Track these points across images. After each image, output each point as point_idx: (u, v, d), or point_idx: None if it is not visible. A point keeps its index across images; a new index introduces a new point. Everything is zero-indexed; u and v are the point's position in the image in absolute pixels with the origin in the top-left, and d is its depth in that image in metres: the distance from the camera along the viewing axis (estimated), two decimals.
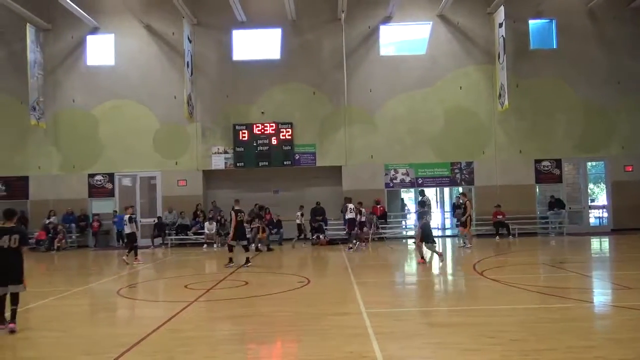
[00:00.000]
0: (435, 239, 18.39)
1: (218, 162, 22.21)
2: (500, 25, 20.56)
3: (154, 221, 21.36)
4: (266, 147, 21.78)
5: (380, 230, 21.05)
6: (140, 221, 21.85)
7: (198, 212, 21.49)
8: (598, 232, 21.97)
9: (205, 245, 20.03)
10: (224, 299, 9.60)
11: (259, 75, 22.16)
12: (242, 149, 21.83)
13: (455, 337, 6.33)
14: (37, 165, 22.21)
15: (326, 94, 22.16)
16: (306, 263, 15.74)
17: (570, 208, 22.19)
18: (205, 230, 20.33)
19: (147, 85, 22.22)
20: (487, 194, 21.68)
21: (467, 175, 22.11)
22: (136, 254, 15.69)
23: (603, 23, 22.24)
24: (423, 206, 14.61)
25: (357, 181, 21.89)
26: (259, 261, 15.73)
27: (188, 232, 21.26)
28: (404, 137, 22.01)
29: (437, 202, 26.96)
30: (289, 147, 21.80)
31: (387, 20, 22.34)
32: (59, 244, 20.39)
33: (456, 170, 22.12)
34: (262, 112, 22.13)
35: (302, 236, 20.49)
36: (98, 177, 22.31)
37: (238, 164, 21.95)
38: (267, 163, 21.85)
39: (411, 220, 23.72)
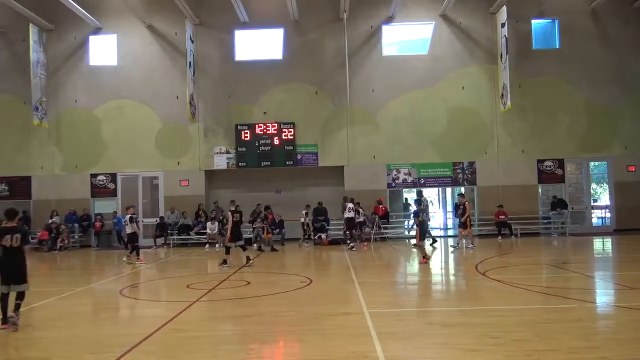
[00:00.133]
0: (435, 240, 18.61)
1: (220, 162, 22.23)
2: (503, 25, 20.53)
3: (156, 221, 21.38)
4: (268, 147, 21.79)
5: (383, 230, 21.04)
6: (142, 221, 21.96)
7: (200, 212, 21.51)
8: (601, 232, 21.93)
9: (207, 245, 20.03)
10: (226, 298, 9.61)
11: (261, 75, 22.17)
12: (244, 149, 21.84)
13: (457, 338, 6.32)
14: (39, 165, 22.26)
15: (328, 94, 22.16)
16: (308, 263, 15.73)
17: (572, 208, 22.15)
18: (208, 230, 20.33)
19: (149, 86, 22.25)
20: (490, 194, 21.66)
21: (469, 176, 22.08)
22: (138, 254, 15.72)
23: (606, 23, 22.19)
24: (419, 205, 14.63)
25: (359, 181, 21.88)
26: (262, 261, 15.74)
27: (190, 232, 21.28)
28: (406, 137, 21.99)
29: (439, 202, 26.95)
30: (291, 147, 21.81)
31: (389, 20, 22.32)
32: (61, 244, 20.44)
33: (458, 171, 22.10)
34: (265, 112, 22.13)
35: (307, 236, 20.51)
36: (100, 177, 22.34)
37: (240, 164, 21.96)
38: (269, 163, 21.85)
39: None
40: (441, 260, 15.40)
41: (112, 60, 22.58)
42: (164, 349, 6.17)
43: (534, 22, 22.50)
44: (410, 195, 24.97)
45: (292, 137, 21.81)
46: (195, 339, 6.57)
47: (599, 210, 24.81)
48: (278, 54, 22.52)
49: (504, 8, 20.38)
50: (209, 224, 20.48)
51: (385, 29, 22.44)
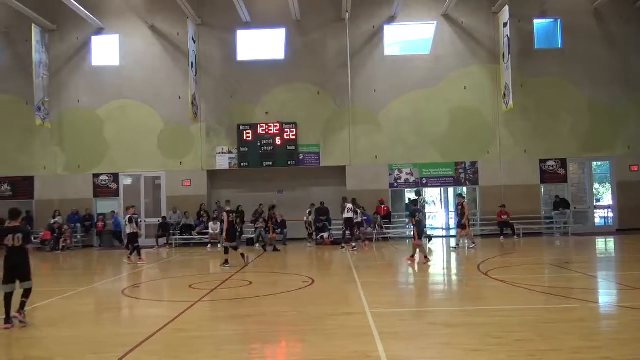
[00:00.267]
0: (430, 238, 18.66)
1: (222, 162, 22.24)
2: (505, 24, 20.49)
3: (159, 221, 21.42)
4: (270, 147, 21.80)
5: (385, 230, 21.03)
6: (144, 221, 22.02)
7: (202, 213, 21.53)
8: (603, 232, 21.87)
9: (209, 245, 20.04)
10: (228, 298, 9.62)
11: (263, 75, 22.18)
12: (247, 149, 21.86)
13: (460, 338, 6.32)
14: (42, 165, 22.31)
15: (330, 94, 22.16)
16: (310, 263, 15.73)
17: (575, 208, 22.11)
18: (210, 230, 20.34)
19: (151, 86, 22.28)
20: (492, 194, 21.62)
21: (471, 175, 22.05)
22: (139, 254, 15.72)
23: (609, 22, 22.15)
24: (415, 204, 14.65)
25: (362, 181, 21.88)
26: (264, 261, 15.75)
27: (192, 232, 21.30)
28: (408, 137, 21.98)
29: (441, 202, 26.93)
30: (293, 147, 21.81)
31: (391, 20, 22.31)
32: (64, 244, 20.48)
33: (460, 170, 22.07)
34: (267, 112, 22.14)
35: (309, 235, 20.52)
36: (103, 177, 22.37)
37: (242, 164, 21.97)
38: (271, 163, 21.86)
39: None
40: (443, 261, 15.38)
41: (115, 61, 22.61)
42: (166, 349, 6.18)
43: (537, 21, 22.46)
44: (412, 196, 24.97)
45: (294, 137, 21.82)
46: (198, 339, 6.57)
47: (601, 210, 24.77)
48: (280, 54, 22.53)
49: (507, 7, 20.34)
50: (211, 224, 20.50)
51: (387, 28, 22.43)
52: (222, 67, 22.50)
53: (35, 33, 20.66)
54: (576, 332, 6.33)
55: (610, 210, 23.35)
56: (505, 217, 20.46)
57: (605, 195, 27.89)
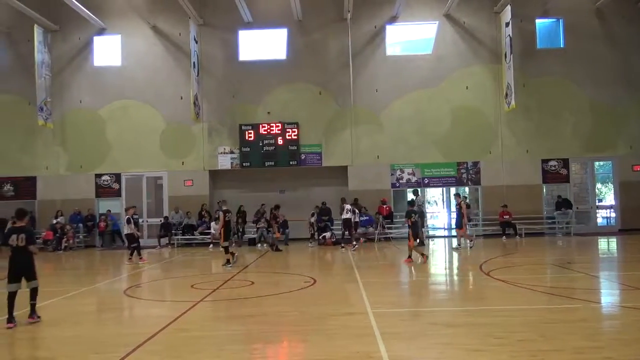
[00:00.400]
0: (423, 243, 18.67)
1: (224, 162, 22.26)
2: (507, 24, 20.48)
3: (161, 221, 21.45)
4: (272, 147, 21.81)
5: (386, 230, 21.02)
6: (146, 221, 22.05)
7: (203, 213, 21.54)
8: (605, 232, 21.84)
9: (211, 246, 20.06)
10: (230, 298, 9.62)
11: (265, 75, 22.20)
12: (248, 149, 21.87)
13: (462, 338, 6.31)
14: (44, 165, 22.35)
15: (332, 94, 22.16)
16: (312, 263, 15.73)
17: (577, 208, 22.07)
18: (212, 231, 20.36)
19: (153, 86, 22.31)
20: (494, 194, 21.60)
21: (473, 175, 22.03)
22: (139, 254, 15.72)
23: (611, 22, 22.11)
24: (412, 204, 14.68)
25: (363, 181, 21.88)
26: (265, 261, 15.76)
27: (194, 232, 21.32)
28: (410, 137, 21.97)
29: (443, 202, 26.89)
30: (295, 147, 21.82)
31: (393, 20, 22.31)
32: (66, 244, 20.52)
33: (462, 170, 22.06)
34: (268, 112, 22.16)
35: (312, 235, 20.57)
36: (105, 177, 22.41)
37: (244, 164, 21.98)
38: (273, 163, 21.87)
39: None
40: (445, 261, 15.37)
41: (117, 61, 22.66)
42: (168, 349, 6.18)
43: (539, 21, 22.44)
44: (419, 195, 24.99)
45: (295, 137, 21.83)
46: (200, 339, 6.58)
47: (603, 210, 24.70)
48: (282, 54, 22.54)
49: (508, 7, 20.34)
50: (213, 224, 20.49)
51: (389, 28, 22.43)
52: (224, 67, 22.51)
53: (37, 33, 20.70)
54: (578, 333, 6.32)
55: (612, 210, 23.29)
56: (508, 217, 20.45)
57: (607, 195, 27.82)
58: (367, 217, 20.84)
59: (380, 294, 9.49)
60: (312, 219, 20.50)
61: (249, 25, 22.42)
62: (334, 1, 21.96)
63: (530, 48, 22.07)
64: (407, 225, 14.07)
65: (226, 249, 14.07)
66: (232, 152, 22.19)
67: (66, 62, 22.56)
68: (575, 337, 6.14)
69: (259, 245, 20.20)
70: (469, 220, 21.74)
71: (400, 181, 22.14)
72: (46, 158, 22.37)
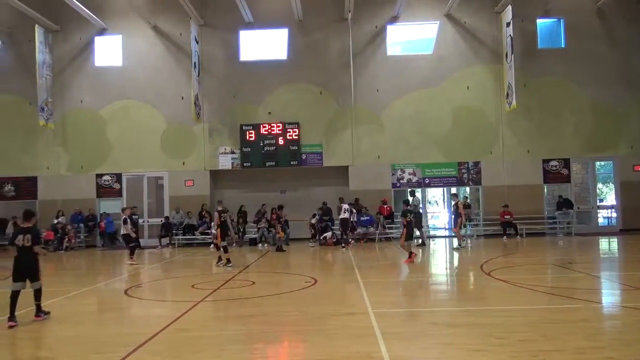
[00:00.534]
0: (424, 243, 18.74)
1: (225, 162, 22.27)
2: (508, 24, 20.47)
3: (161, 221, 21.46)
4: (273, 147, 21.81)
5: (387, 230, 21.02)
6: (147, 221, 22.06)
7: (204, 213, 21.54)
8: (606, 232, 21.82)
9: (212, 246, 19.93)
10: (231, 298, 9.62)
11: (266, 75, 22.20)
12: (249, 149, 21.87)
13: (462, 338, 6.31)
14: (45, 165, 22.37)
15: (333, 94, 22.16)
16: (313, 263, 15.73)
17: (578, 208, 22.05)
18: (212, 231, 20.28)
19: (154, 86, 22.32)
20: (495, 194, 21.59)
21: (474, 175, 22.03)
22: (132, 254, 15.69)
23: (612, 22, 22.09)
24: (408, 204, 14.74)
25: (364, 181, 21.87)
26: (267, 261, 15.76)
27: (195, 232, 21.32)
28: (411, 137, 21.96)
29: (444, 202, 26.91)
30: (296, 147, 21.82)
31: (394, 20, 22.30)
32: (67, 244, 20.53)
33: (463, 170, 22.05)
34: (269, 112, 22.16)
35: (312, 235, 20.59)
36: (106, 177, 22.43)
37: (245, 164, 21.99)
38: (273, 163, 21.87)
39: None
40: (446, 261, 15.36)
41: (117, 61, 22.67)
42: (169, 349, 6.18)
43: (540, 21, 22.42)
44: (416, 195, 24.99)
45: (296, 137, 21.83)
46: (200, 339, 6.58)
47: (605, 210, 24.69)
48: (283, 54, 22.54)
49: (509, 7, 20.32)
50: (213, 224, 20.48)
51: (390, 28, 22.42)
52: (224, 68, 22.52)
53: (38, 33, 20.71)
54: (579, 333, 6.31)
55: (613, 210, 23.27)
56: (508, 217, 20.45)
57: (608, 195, 27.81)
58: (368, 217, 20.84)
59: (381, 294, 9.49)
60: (313, 220, 20.49)
61: (249, 26, 22.43)
62: (335, 1, 21.96)
63: (531, 48, 22.06)
64: (402, 224, 14.14)
65: (225, 248, 14.09)
66: (232, 152, 22.20)
67: (67, 62, 22.58)
68: (576, 337, 6.13)
69: (260, 245, 20.21)
70: (470, 220, 21.84)
71: (401, 181, 22.14)
72: (47, 158, 22.38)
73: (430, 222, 26.09)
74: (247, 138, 21.88)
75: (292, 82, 22.23)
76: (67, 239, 20.60)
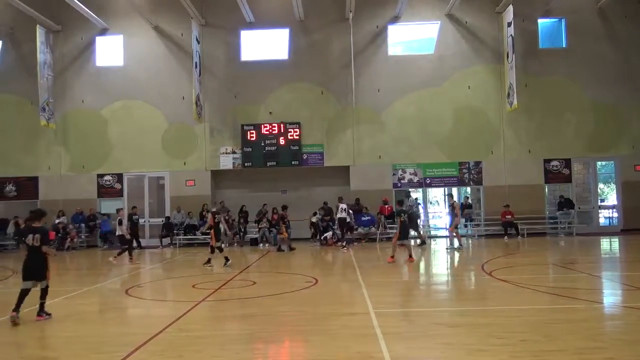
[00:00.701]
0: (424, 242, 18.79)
1: (226, 162, 22.28)
2: (509, 24, 20.45)
3: (162, 221, 21.47)
4: (274, 147, 21.81)
5: (388, 230, 21.00)
6: (148, 221, 22.07)
7: (204, 213, 21.52)
8: (608, 232, 21.80)
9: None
10: (232, 298, 9.62)
11: (267, 75, 22.20)
12: (250, 149, 21.88)
13: (463, 338, 6.31)
14: (47, 165, 22.39)
15: (334, 94, 22.16)
16: (314, 263, 15.73)
17: (579, 208, 22.03)
18: (202, 229, 20.33)
19: (155, 86, 22.33)
20: (496, 193, 21.58)
21: (475, 175, 22.01)
22: (120, 254, 15.63)
23: (613, 22, 22.06)
24: (402, 204, 14.79)
25: (365, 181, 21.87)
26: (267, 261, 15.76)
27: (196, 232, 21.33)
28: (412, 136, 21.96)
29: (445, 202, 26.88)
30: (297, 147, 21.82)
31: (395, 19, 22.30)
32: (69, 244, 20.53)
33: (464, 170, 22.04)
34: (270, 112, 22.17)
35: (313, 235, 20.59)
36: (107, 177, 22.44)
37: (246, 164, 21.99)
38: (275, 163, 21.88)
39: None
40: (447, 261, 15.35)
41: (119, 61, 22.69)
42: (170, 349, 6.18)
43: (541, 21, 22.41)
44: (415, 195, 24.96)
45: (297, 137, 21.83)
46: (201, 339, 6.58)
47: (606, 210, 24.66)
48: (284, 54, 22.54)
49: (511, 7, 20.30)
50: (207, 224, 20.46)
51: (391, 28, 22.42)
52: (225, 68, 22.53)
53: (39, 34, 20.73)
54: (581, 333, 6.31)
55: (614, 210, 23.24)
56: (509, 217, 20.43)
57: (609, 195, 27.78)
58: (369, 217, 20.84)
59: (382, 294, 9.48)
60: (314, 218, 20.48)
61: (250, 26, 22.43)
62: (336, 1, 21.96)
63: (533, 48, 22.05)
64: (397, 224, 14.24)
65: (220, 249, 14.13)
66: (234, 152, 22.21)
67: (68, 62, 22.61)
68: (577, 337, 6.12)
69: (261, 245, 20.22)
70: (471, 220, 21.84)
71: (402, 181, 22.13)
72: (48, 158, 22.41)
73: (432, 222, 26.11)
74: (248, 138, 21.88)
75: (293, 82, 22.23)
76: (68, 239, 20.60)
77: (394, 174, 22.10)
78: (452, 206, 17.31)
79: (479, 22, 22.21)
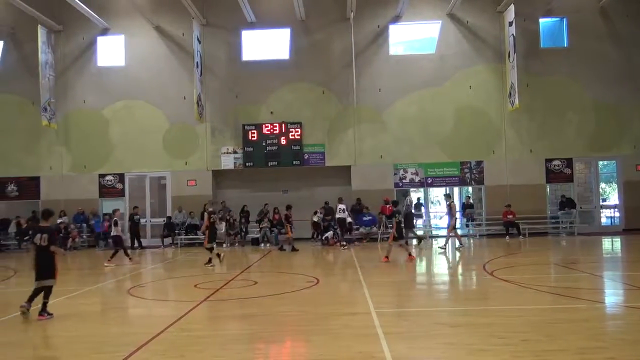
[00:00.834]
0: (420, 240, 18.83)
1: (227, 162, 22.28)
2: (511, 23, 20.43)
3: (164, 221, 21.49)
4: (275, 147, 21.81)
5: (389, 230, 20.96)
6: (150, 221, 22.10)
7: (205, 213, 21.51)
8: (609, 232, 21.78)
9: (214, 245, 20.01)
10: (233, 298, 9.62)
11: (268, 75, 22.20)
12: (251, 149, 21.88)
13: (465, 338, 6.31)
14: (48, 165, 22.42)
15: (335, 94, 22.16)
16: (315, 263, 15.73)
17: (581, 208, 22.02)
18: (199, 232, 20.33)
19: (157, 86, 22.34)
20: (497, 193, 21.56)
21: (477, 175, 22.00)
22: (113, 256, 15.55)
23: (615, 21, 22.03)
24: (396, 205, 14.84)
25: (367, 181, 21.86)
26: (268, 261, 15.77)
27: (197, 231, 21.32)
28: (414, 136, 21.95)
29: (445, 202, 26.90)
30: (298, 147, 21.82)
31: (396, 19, 22.28)
32: (71, 244, 20.55)
33: (466, 170, 22.02)
34: (271, 112, 22.17)
35: (315, 235, 20.59)
36: (108, 177, 22.46)
37: (247, 164, 22.00)
38: (276, 163, 21.88)
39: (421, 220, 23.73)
40: (448, 260, 15.35)
41: (120, 61, 22.70)
42: (171, 349, 6.19)
43: (542, 20, 22.38)
44: (417, 195, 24.98)
45: (299, 136, 21.83)
46: (203, 339, 6.59)
47: (607, 210, 24.65)
48: (285, 54, 22.54)
49: (512, 7, 20.28)
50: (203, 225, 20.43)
51: (392, 28, 22.41)
52: (227, 67, 22.53)
53: (41, 34, 20.74)
54: (582, 333, 6.30)
55: (616, 209, 23.24)
56: (511, 216, 20.42)
57: (611, 194, 27.75)
58: (371, 217, 20.83)
59: (383, 293, 9.49)
60: (315, 218, 20.47)
61: (252, 25, 22.43)
62: (337, 1, 21.95)
63: (534, 47, 22.02)
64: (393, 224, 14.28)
65: (210, 250, 14.17)
66: (235, 152, 22.21)
67: (70, 62, 22.63)
68: (579, 337, 6.12)
69: (262, 245, 20.22)
70: (473, 219, 21.83)
71: (404, 181, 22.12)
72: (50, 158, 22.43)
73: (433, 222, 26.11)
74: (250, 138, 21.89)
75: (295, 82, 22.23)
76: (70, 238, 20.62)
77: (395, 174, 22.09)
78: (449, 206, 17.28)
79: (480, 22, 22.19)
